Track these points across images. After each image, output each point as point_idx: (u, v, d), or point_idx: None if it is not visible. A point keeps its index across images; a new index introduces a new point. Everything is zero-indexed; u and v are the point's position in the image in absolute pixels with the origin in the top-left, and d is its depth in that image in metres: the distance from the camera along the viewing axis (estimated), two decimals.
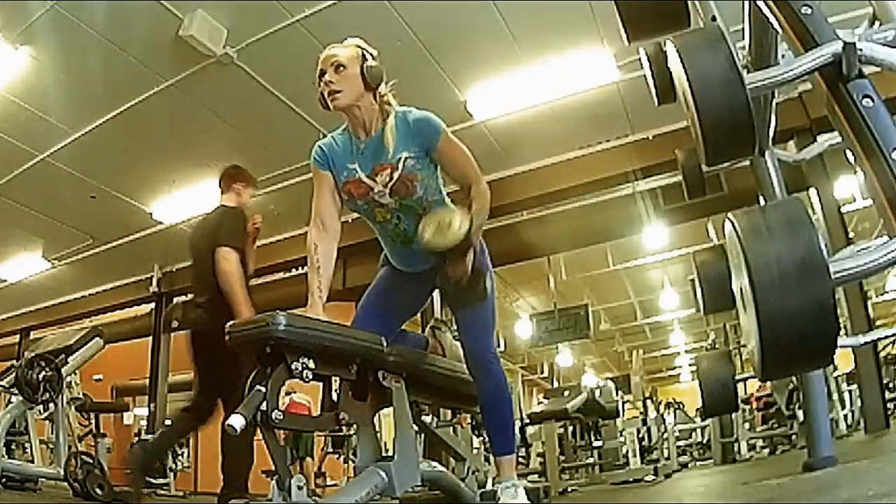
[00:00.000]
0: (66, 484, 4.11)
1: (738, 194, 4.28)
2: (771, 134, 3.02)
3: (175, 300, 8.93)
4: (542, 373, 15.46)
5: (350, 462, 8.13)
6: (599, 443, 6.62)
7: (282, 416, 1.68)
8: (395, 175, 2.08)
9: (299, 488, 1.66)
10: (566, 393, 6.63)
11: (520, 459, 6.56)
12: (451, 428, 3.93)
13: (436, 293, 2.53)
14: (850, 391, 6.09)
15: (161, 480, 7.38)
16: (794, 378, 4.70)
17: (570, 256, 9.11)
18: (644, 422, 7.69)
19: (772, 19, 1.71)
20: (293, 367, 1.71)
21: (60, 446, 4.34)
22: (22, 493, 4.21)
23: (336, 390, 1.95)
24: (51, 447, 4.95)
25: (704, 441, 8.85)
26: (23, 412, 4.26)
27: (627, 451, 6.55)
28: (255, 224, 3.56)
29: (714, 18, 2.46)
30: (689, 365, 15.82)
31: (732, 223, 1.38)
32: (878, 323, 7.63)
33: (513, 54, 4.90)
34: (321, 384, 1.94)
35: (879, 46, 1.53)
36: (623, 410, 7.64)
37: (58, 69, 4.78)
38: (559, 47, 4.87)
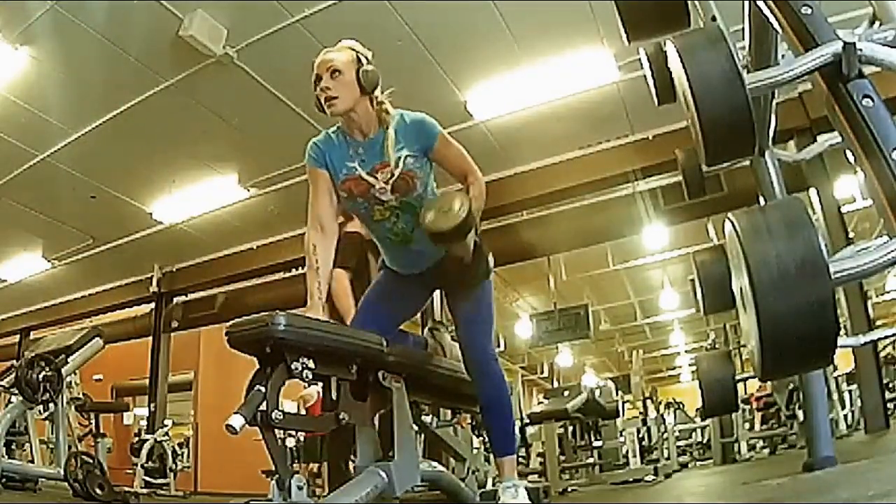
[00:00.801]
0: (66, 484, 4.10)
1: (738, 194, 4.29)
2: (771, 134, 3.02)
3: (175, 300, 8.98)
4: (542, 373, 15.47)
5: (350, 462, 8.13)
6: (599, 443, 6.61)
7: (282, 416, 1.68)
8: (397, 172, 2.09)
9: (299, 488, 1.66)
10: (566, 393, 6.62)
11: (520, 459, 6.55)
12: (451, 428, 3.93)
13: (435, 294, 2.53)
14: (850, 391, 6.09)
15: (161, 480, 7.39)
16: (794, 378, 4.70)
17: (570, 256, 9.11)
18: (644, 422, 7.68)
19: (772, 19, 1.71)
20: (293, 367, 1.71)
21: (60, 446, 4.33)
22: (22, 493, 4.21)
23: (336, 390, 1.95)
24: (51, 447, 4.95)
25: (704, 441, 8.85)
26: (23, 412, 4.26)
27: (627, 451, 6.55)
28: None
29: (714, 18, 2.46)
30: (689, 365, 15.81)
31: (732, 223, 1.38)
32: (878, 323, 7.63)
33: (513, 54, 4.90)
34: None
35: (879, 46, 1.53)
36: (623, 410, 7.63)
37: (58, 69, 4.78)
38: (559, 47, 4.87)
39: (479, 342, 2.19)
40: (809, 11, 1.59)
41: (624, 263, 9.61)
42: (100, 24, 4.38)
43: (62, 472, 4.10)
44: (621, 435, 6.67)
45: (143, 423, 8.90)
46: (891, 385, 5.94)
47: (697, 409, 7.92)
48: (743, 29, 2.39)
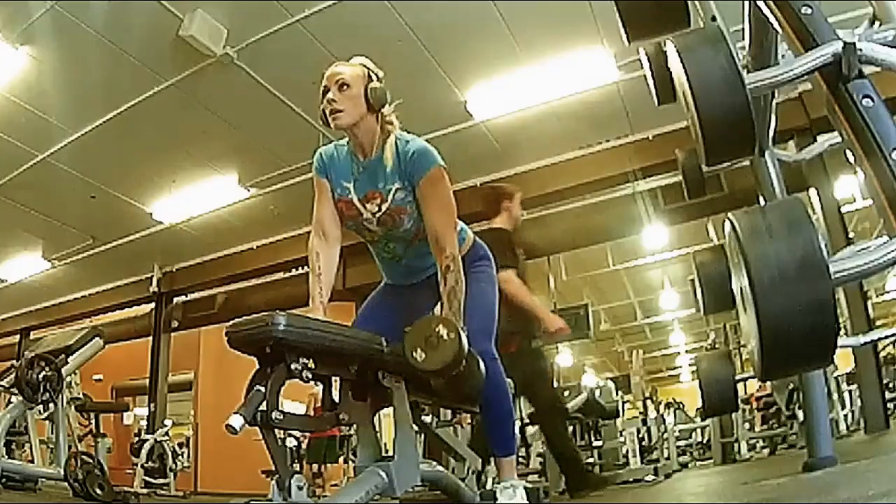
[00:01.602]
0: (66, 484, 4.10)
1: (738, 194, 4.28)
2: (771, 134, 3.01)
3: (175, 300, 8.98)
4: None
5: (350, 462, 8.13)
6: (599, 443, 6.61)
7: (282, 416, 1.68)
8: (384, 207, 2.07)
9: (299, 488, 1.66)
10: (566, 393, 6.62)
11: (520, 459, 6.55)
12: (451, 428, 3.93)
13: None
14: (850, 391, 6.09)
15: (161, 480, 7.39)
16: (794, 378, 4.70)
17: (570, 256, 9.11)
18: (644, 422, 7.68)
19: (772, 19, 1.71)
20: (293, 367, 1.71)
21: (60, 446, 4.33)
22: (22, 493, 4.21)
23: (336, 390, 1.95)
24: (51, 447, 4.95)
25: (704, 441, 8.85)
26: (23, 412, 4.25)
27: (627, 451, 6.55)
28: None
29: (714, 18, 2.46)
30: (689, 365, 15.81)
31: (732, 223, 1.38)
32: (878, 323, 7.63)
33: (513, 54, 4.90)
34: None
35: (879, 46, 1.53)
36: (623, 410, 7.64)
37: (58, 69, 4.78)
38: (559, 47, 4.87)
39: (480, 342, 2.18)
40: (809, 11, 1.59)
41: (624, 263, 9.61)
42: (100, 24, 4.38)
43: (62, 472, 4.10)
44: (621, 435, 6.67)
45: (143, 423, 8.91)
46: (891, 385, 5.94)
47: (697, 409, 7.92)
48: (743, 29, 2.39)
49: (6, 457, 4.20)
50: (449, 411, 2.78)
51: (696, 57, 1.56)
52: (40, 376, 4.07)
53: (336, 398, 1.94)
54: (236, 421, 1.59)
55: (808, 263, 1.25)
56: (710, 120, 1.54)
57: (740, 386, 3.39)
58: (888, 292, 10.62)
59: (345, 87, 2.06)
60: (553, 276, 9.48)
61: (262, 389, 1.66)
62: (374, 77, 2.11)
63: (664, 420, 8.74)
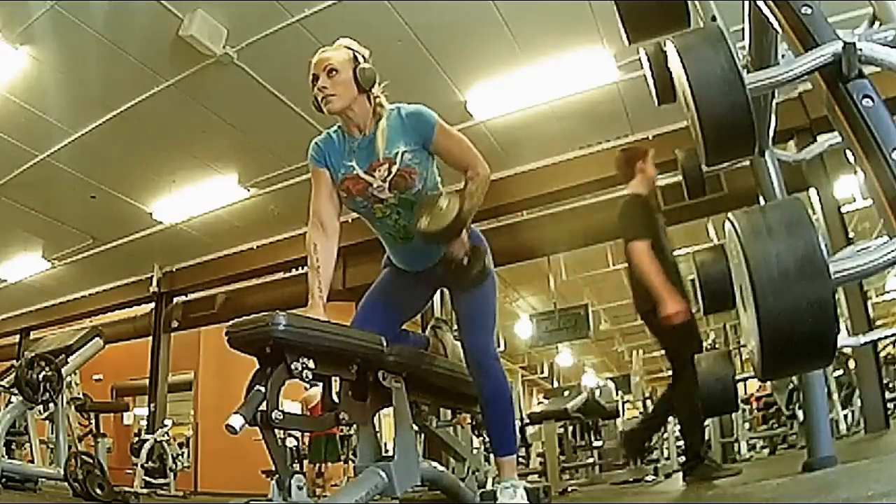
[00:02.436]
0: (66, 484, 4.10)
1: (738, 194, 4.28)
2: (771, 134, 3.01)
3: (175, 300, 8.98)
4: (542, 373, 15.45)
5: (350, 462, 8.13)
6: (599, 443, 6.61)
7: (282, 416, 1.68)
8: (394, 169, 2.09)
9: (299, 488, 1.66)
10: (566, 393, 6.63)
11: (520, 459, 6.56)
12: (451, 428, 3.93)
13: (437, 293, 2.53)
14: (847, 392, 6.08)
15: (161, 480, 7.39)
16: (794, 378, 4.69)
17: (570, 256, 9.11)
18: None
19: (772, 19, 1.70)
20: (293, 367, 1.71)
21: (60, 446, 4.33)
22: (22, 493, 4.21)
23: (336, 390, 1.95)
24: (51, 447, 4.95)
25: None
26: (23, 412, 4.25)
27: None
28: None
29: (714, 18, 2.46)
30: None
31: (732, 223, 1.38)
32: (878, 323, 7.63)
33: (513, 54, 4.90)
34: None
35: (879, 46, 1.53)
36: (623, 410, 7.63)
37: (58, 69, 4.78)
38: (559, 47, 4.87)
39: (481, 341, 2.19)
40: (809, 11, 1.59)
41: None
42: (100, 24, 4.38)
43: (62, 472, 4.10)
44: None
45: (143, 423, 8.91)
46: (891, 385, 5.93)
47: None
48: (743, 29, 2.39)
49: (6, 457, 4.20)
50: (449, 411, 2.79)
51: (696, 57, 1.56)
52: (40, 376, 4.08)
53: (336, 398, 1.95)
54: (236, 421, 1.59)
55: (808, 263, 1.25)
56: (710, 120, 1.54)
57: (740, 386, 3.39)
58: (888, 292, 10.62)
59: (333, 72, 2.08)
60: (553, 276, 9.49)
61: (262, 389, 1.67)
62: (360, 58, 2.13)
63: None
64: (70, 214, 7.08)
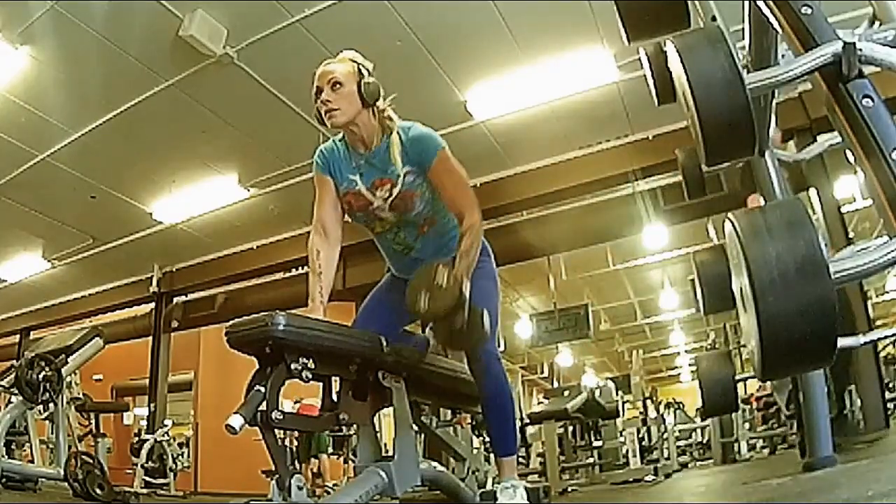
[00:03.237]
0: (66, 484, 4.10)
1: (738, 194, 4.28)
2: (771, 134, 3.01)
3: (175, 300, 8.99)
4: (542, 373, 15.47)
5: (350, 462, 8.13)
6: (599, 443, 6.61)
7: (282, 416, 1.68)
8: (395, 191, 2.08)
9: (299, 488, 1.66)
10: (566, 393, 6.63)
11: (520, 459, 6.56)
12: (451, 428, 3.93)
13: None
14: (850, 391, 6.07)
15: (161, 480, 7.39)
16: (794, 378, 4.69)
17: (570, 256, 9.11)
18: (644, 422, 7.67)
19: (772, 19, 1.70)
20: (293, 367, 1.71)
21: (60, 446, 4.33)
22: (22, 493, 4.21)
23: (336, 390, 1.95)
24: (51, 447, 4.95)
25: (704, 441, 8.84)
26: (23, 412, 4.26)
27: (627, 451, 6.55)
28: None
29: (714, 18, 2.46)
30: (689, 365, 15.81)
31: (732, 223, 1.38)
32: (878, 323, 7.63)
33: (513, 54, 4.90)
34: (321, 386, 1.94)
35: (879, 46, 1.53)
36: (623, 410, 7.63)
37: (58, 69, 4.78)
38: (559, 47, 4.87)
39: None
40: (809, 11, 1.59)
41: (624, 263, 9.61)
42: (100, 24, 4.38)
43: (62, 472, 4.10)
44: (621, 435, 6.67)
45: (143, 423, 8.90)
46: (891, 385, 5.93)
47: (697, 409, 7.92)
48: (743, 29, 2.39)
49: (6, 457, 4.20)
50: (449, 411, 2.79)
51: (696, 57, 1.56)
52: (40, 376, 4.08)
53: (336, 398, 1.95)
54: (236, 421, 1.59)
55: (808, 263, 1.25)
56: (710, 120, 1.54)
57: (740, 386, 3.39)
58: (888, 292, 10.62)
59: (337, 85, 2.07)
60: (553, 276, 9.49)
61: (262, 389, 1.67)
62: (364, 71, 2.12)
63: (664, 420, 8.74)
64: (70, 214, 7.09)
